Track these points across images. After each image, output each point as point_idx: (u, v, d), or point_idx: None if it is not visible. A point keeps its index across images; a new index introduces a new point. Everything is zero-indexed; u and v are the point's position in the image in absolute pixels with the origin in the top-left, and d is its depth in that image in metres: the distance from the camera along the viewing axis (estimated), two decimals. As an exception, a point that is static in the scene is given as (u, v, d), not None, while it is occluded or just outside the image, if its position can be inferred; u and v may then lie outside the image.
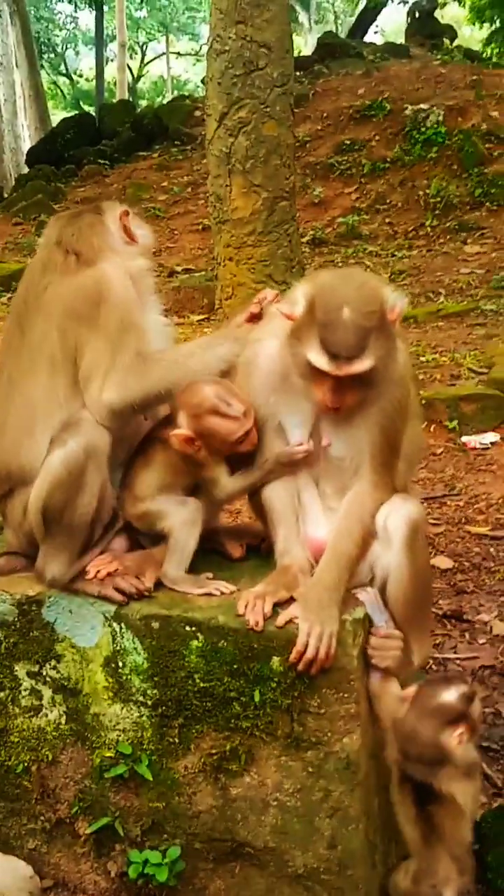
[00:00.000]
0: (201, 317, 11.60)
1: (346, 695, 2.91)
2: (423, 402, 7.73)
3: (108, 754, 3.14)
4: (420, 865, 2.93)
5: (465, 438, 7.49)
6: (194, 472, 3.16)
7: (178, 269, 14.40)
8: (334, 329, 2.82)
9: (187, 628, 2.99)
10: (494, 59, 25.04)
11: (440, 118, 16.95)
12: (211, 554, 3.30)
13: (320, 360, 2.85)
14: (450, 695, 2.85)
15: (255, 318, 3.29)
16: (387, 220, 16.05)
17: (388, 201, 16.46)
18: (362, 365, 2.84)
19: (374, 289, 2.95)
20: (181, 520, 3.13)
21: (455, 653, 4.75)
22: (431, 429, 7.62)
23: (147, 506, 3.17)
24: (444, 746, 2.81)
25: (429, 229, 15.57)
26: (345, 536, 3.02)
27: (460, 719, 2.83)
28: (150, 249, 3.45)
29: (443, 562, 5.69)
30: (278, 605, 3.00)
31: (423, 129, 16.95)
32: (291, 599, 3.02)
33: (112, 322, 3.10)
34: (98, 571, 3.15)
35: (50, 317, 3.15)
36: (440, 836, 2.88)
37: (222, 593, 3.07)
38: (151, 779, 3.10)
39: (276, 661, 2.92)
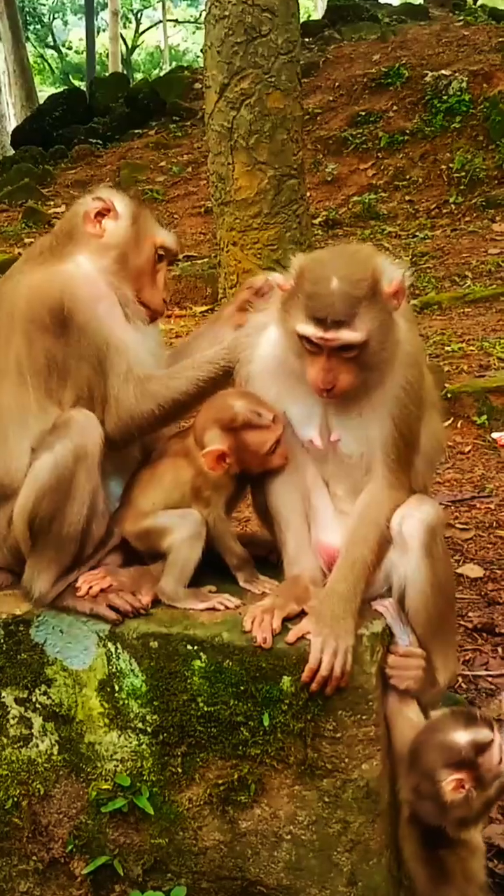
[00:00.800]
0: (205, 307, 11.62)
1: (364, 717, 2.92)
2: (450, 395, 7.73)
3: (105, 787, 3.15)
4: None
5: (495, 435, 7.47)
6: (205, 495, 3.18)
7: (179, 256, 14.42)
8: (319, 294, 2.87)
9: (189, 647, 3.00)
10: (522, 19, 24.99)
11: (463, 85, 16.92)
12: (214, 565, 3.30)
13: (306, 328, 2.88)
14: (460, 735, 2.82)
15: (246, 306, 3.33)
16: (406, 198, 16.03)
17: (407, 177, 16.44)
18: (351, 335, 2.86)
19: (366, 258, 3.00)
20: (183, 535, 3.14)
21: (487, 669, 4.74)
22: (458, 425, 7.60)
23: (150, 522, 3.19)
24: (438, 789, 2.79)
25: (453, 207, 15.53)
26: (359, 542, 3.02)
27: (463, 765, 2.79)
28: (127, 244, 3.35)
29: (472, 570, 5.68)
30: (288, 620, 3.01)
31: (444, 98, 16.92)
32: (303, 613, 3.03)
33: (89, 345, 3.14)
34: (90, 587, 3.16)
35: (12, 316, 3.18)
36: (450, 878, 2.87)
37: (227, 608, 3.08)
38: (153, 813, 3.10)
39: (286, 681, 2.92)
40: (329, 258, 3.03)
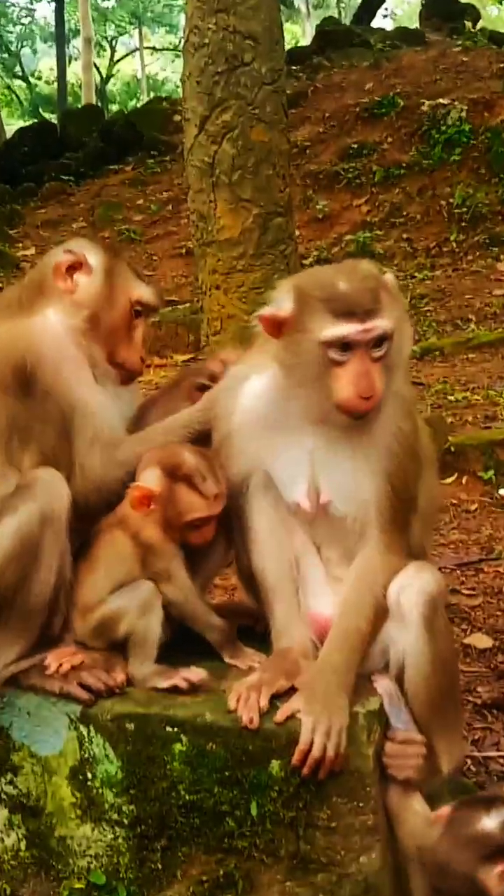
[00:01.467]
0: (186, 356, 11.68)
1: (361, 804, 2.91)
2: (453, 448, 7.78)
3: (78, 886, 3.13)
4: None
5: (503, 491, 7.50)
6: (158, 567, 3.17)
7: (160, 309, 14.50)
8: (340, 292, 2.95)
9: (168, 729, 2.99)
10: (525, 44, 25.45)
11: (463, 114, 17.18)
12: (197, 638, 3.30)
13: (337, 329, 2.92)
14: (490, 821, 2.80)
15: (205, 388, 3.38)
16: (404, 236, 16.21)
17: (404, 214, 16.63)
18: (385, 323, 2.95)
19: (359, 261, 3.14)
20: (135, 610, 3.12)
21: (498, 749, 4.71)
22: (463, 481, 7.63)
23: (99, 613, 3.17)
24: (482, 887, 2.78)
25: (454, 245, 15.71)
26: (353, 611, 3.03)
27: (502, 853, 2.78)
28: (100, 301, 3.38)
29: (481, 640, 5.67)
30: (277, 697, 3.00)
31: (443, 128, 17.18)
32: (292, 689, 3.03)
33: (53, 408, 3.18)
34: (60, 665, 3.15)
35: None
36: None
37: (191, 683, 3.06)
38: (131, 914, 3.08)
39: (275, 765, 2.92)
40: (323, 269, 3.16)
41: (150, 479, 3.12)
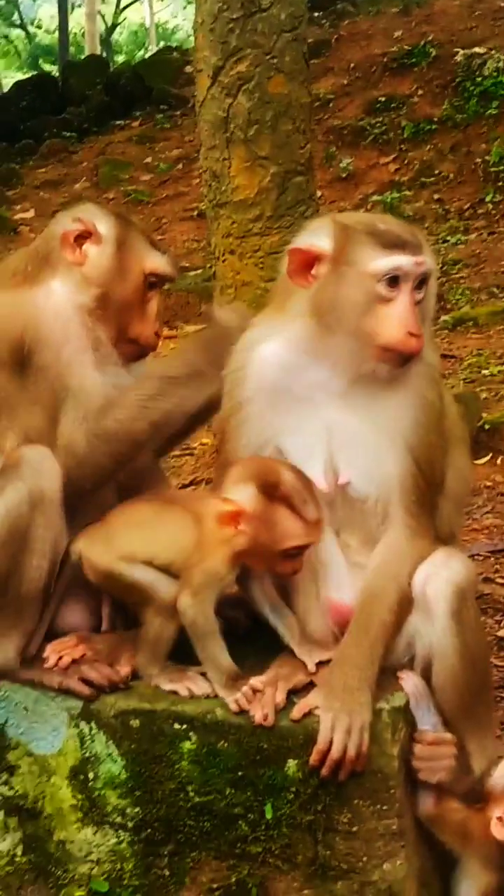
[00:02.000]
0: (198, 327, 11.68)
1: (385, 807, 2.92)
2: (488, 426, 7.77)
3: (78, 893, 3.15)
4: None
5: (541, 473, 7.51)
6: (196, 580, 3.07)
7: (175, 278, 14.50)
8: (388, 226, 3.06)
9: (176, 726, 3.01)
10: None
11: (500, 65, 17.07)
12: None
13: (392, 259, 2.99)
14: None
15: None
16: (436, 197, 16.15)
17: (436, 172, 16.57)
18: (430, 258, 3.07)
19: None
20: (159, 606, 3.09)
21: (534, 751, 4.72)
22: (498, 461, 7.63)
23: (122, 569, 3.15)
24: None
25: (490, 206, 15.64)
26: (376, 601, 3.04)
27: None
28: (111, 274, 3.38)
29: (515, 633, 5.68)
30: (294, 693, 3.01)
31: (478, 80, 17.08)
32: (311, 685, 3.04)
33: (46, 390, 3.20)
34: (60, 658, 3.18)
35: None
36: None
37: (192, 694, 3.04)
38: (136, 925, 3.10)
39: (292, 765, 2.93)
40: (352, 213, 3.20)
41: (244, 497, 3.01)
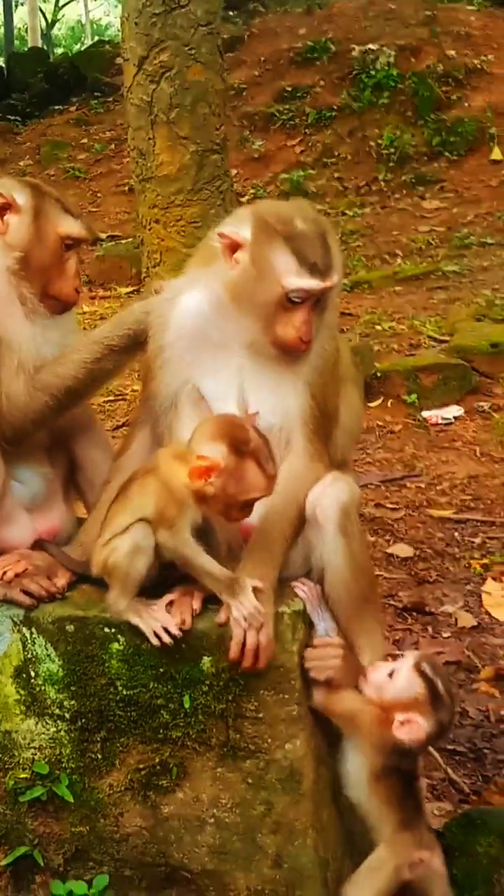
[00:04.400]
0: (129, 289, 11.57)
1: (286, 696, 2.94)
2: (380, 374, 7.83)
3: (22, 776, 3.14)
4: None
5: (425, 413, 7.57)
6: (168, 514, 2.94)
7: (103, 236, 14.36)
8: (307, 241, 2.92)
9: (106, 630, 3.00)
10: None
11: (391, 59, 17.00)
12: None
13: (300, 280, 2.91)
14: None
15: None
16: (335, 175, 16.09)
17: (336, 154, 16.50)
18: (337, 277, 2.97)
19: (310, 206, 3.13)
20: (124, 549, 2.96)
21: (417, 648, 4.80)
22: (389, 404, 7.69)
23: (106, 550, 3.01)
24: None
25: (382, 184, 15.63)
26: (276, 515, 3.02)
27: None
28: (30, 240, 3.28)
29: (402, 550, 5.75)
30: (210, 601, 2.99)
31: (372, 73, 17.00)
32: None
33: None
34: (4, 572, 3.15)
35: None
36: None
37: (159, 640, 2.91)
38: (73, 801, 3.10)
39: (206, 661, 2.93)
40: (282, 206, 3.09)
41: (217, 453, 2.88)
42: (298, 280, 2.90)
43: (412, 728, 2.93)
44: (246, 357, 3.09)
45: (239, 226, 2.99)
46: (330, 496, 3.02)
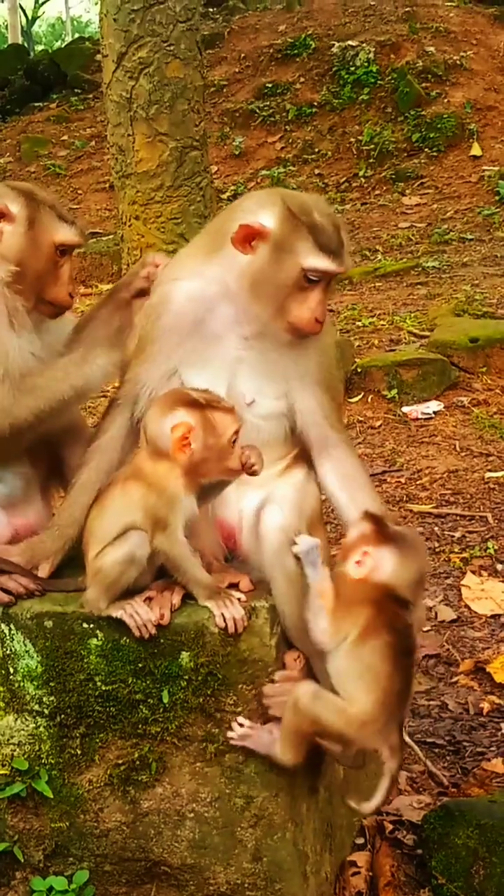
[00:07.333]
0: (111, 285, 11.54)
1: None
2: (360, 370, 7.83)
3: (2, 772, 3.13)
4: None
5: (406, 409, 7.58)
6: (161, 514, 2.92)
7: (83, 244, 14.33)
8: (327, 227, 3.02)
9: (85, 625, 2.99)
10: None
11: (371, 56, 17.05)
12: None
13: (318, 261, 2.99)
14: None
15: (144, 293, 3.29)
16: (316, 172, 16.12)
17: (316, 150, 16.53)
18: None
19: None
20: (117, 558, 2.92)
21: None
22: (369, 399, 7.69)
23: (99, 560, 2.97)
24: None
25: (363, 180, 15.67)
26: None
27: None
28: (24, 250, 3.24)
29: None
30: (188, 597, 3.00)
31: (352, 69, 17.04)
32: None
33: None
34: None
35: None
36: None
37: (142, 635, 2.93)
38: (52, 796, 3.10)
39: (185, 656, 2.94)
40: (303, 196, 3.17)
41: (183, 417, 2.91)
42: (316, 260, 2.98)
43: (365, 560, 2.85)
44: (244, 349, 3.11)
45: (259, 215, 3.02)
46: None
